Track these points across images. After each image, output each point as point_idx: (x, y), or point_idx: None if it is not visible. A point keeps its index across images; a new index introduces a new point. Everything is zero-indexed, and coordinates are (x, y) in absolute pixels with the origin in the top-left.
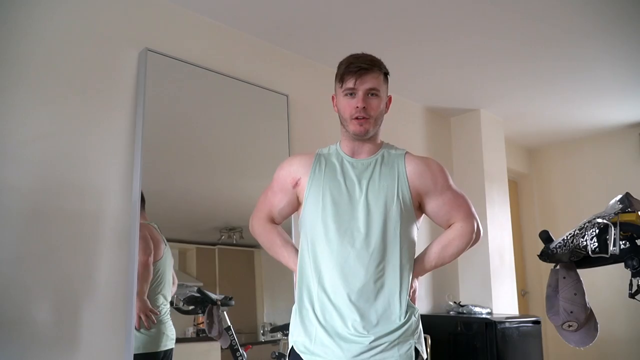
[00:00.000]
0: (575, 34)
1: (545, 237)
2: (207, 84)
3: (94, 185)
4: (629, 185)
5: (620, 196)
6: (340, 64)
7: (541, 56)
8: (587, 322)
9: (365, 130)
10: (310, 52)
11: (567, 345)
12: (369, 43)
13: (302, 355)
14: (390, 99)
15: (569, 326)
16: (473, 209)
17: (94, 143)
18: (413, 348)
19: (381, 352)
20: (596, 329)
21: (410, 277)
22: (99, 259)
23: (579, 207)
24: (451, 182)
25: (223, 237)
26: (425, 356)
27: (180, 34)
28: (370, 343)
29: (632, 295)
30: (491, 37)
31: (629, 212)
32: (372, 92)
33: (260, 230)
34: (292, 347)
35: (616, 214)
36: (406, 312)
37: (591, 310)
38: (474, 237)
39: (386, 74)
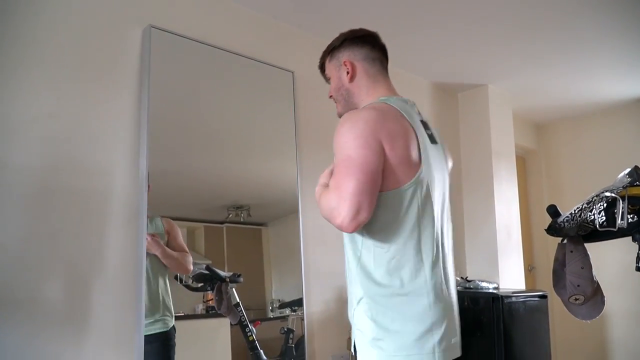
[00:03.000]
0: (584, 8)
1: (553, 211)
2: (212, 61)
3: (101, 163)
4: (637, 159)
5: (628, 169)
6: None
7: (549, 31)
8: (593, 295)
9: (338, 113)
10: (316, 29)
11: (573, 319)
12: (375, 18)
13: None
14: (344, 63)
15: (576, 299)
16: (346, 186)
17: (100, 121)
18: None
19: None
20: (603, 303)
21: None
22: (108, 236)
23: (587, 182)
24: (343, 142)
25: (230, 215)
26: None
27: (185, 11)
28: None
29: (639, 269)
30: (499, 12)
31: (637, 185)
32: (328, 81)
33: None
34: None
35: (624, 187)
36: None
37: (598, 284)
38: (327, 213)
39: (330, 54)
